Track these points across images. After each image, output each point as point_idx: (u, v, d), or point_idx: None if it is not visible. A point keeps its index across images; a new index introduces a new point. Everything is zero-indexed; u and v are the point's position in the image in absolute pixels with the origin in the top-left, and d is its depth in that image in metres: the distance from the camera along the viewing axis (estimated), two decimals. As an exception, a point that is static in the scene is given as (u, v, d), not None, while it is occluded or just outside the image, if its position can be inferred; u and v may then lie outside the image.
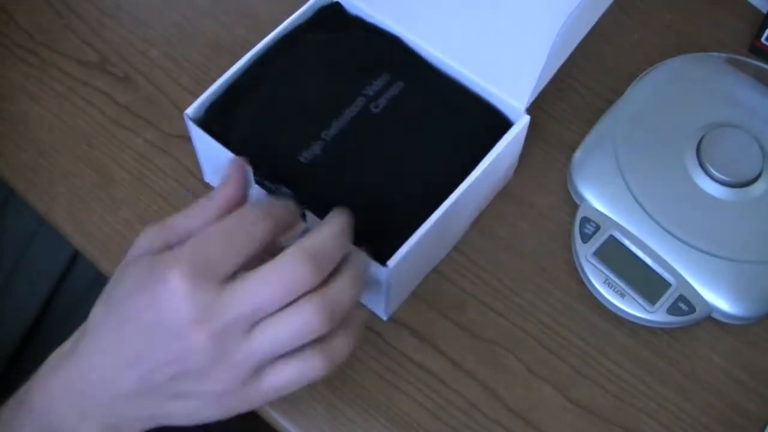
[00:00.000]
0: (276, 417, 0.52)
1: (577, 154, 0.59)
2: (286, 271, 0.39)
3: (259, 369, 0.40)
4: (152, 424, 0.43)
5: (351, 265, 0.42)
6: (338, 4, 0.60)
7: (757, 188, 0.56)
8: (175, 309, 0.38)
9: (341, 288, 0.41)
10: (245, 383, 0.40)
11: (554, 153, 0.61)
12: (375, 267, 0.48)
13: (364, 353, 0.53)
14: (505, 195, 0.59)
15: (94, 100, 0.63)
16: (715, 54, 0.63)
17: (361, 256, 0.44)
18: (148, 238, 0.43)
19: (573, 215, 0.57)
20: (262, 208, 0.42)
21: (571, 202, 0.58)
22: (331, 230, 0.41)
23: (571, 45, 0.59)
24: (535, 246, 0.58)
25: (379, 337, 0.54)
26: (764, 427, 0.51)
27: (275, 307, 0.39)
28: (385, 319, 0.54)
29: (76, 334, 0.44)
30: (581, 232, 0.56)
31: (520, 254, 0.57)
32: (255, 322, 0.39)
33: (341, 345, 0.42)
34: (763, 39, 0.65)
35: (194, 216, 0.43)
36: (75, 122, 0.62)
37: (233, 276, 0.40)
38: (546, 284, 0.56)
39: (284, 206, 0.43)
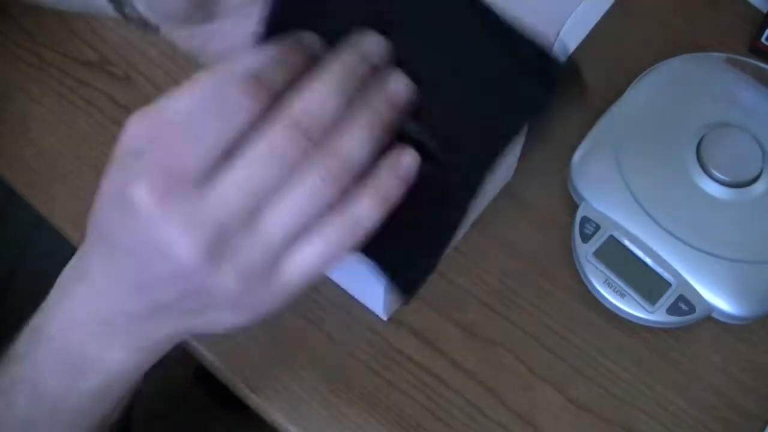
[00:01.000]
0: (277, 417, 0.52)
1: (577, 154, 0.59)
2: (275, 146, 0.32)
3: (275, 260, 0.33)
4: (181, 338, 0.38)
5: (364, 108, 0.33)
6: None
7: (757, 188, 0.56)
8: (155, 231, 0.32)
9: (350, 138, 0.33)
10: (264, 281, 0.33)
11: (554, 153, 0.61)
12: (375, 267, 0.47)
13: (364, 353, 0.53)
14: (505, 195, 0.59)
15: (94, 100, 0.63)
16: (715, 54, 0.63)
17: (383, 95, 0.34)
18: (132, 136, 0.33)
19: (573, 215, 0.57)
20: (243, 68, 0.32)
21: (571, 202, 0.58)
22: (323, 85, 0.32)
23: (571, 45, 0.59)
24: (535, 246, 0.58)
25: (379, 337, 0.54)
26: (764, 427, 0.51)
27: (273, 187, 0.32)
28: (385, 319, 0.54)
29: (80, 251, 0.38)
30: (581, 232, 0.56)
31: (520, 254, 0.57)
32: (254, 211, 0.32)
33: (364, 209, 0.33)
34: (763, 39, 0.65)
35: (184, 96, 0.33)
36: (75, 122, 0.62)
37: (216, 165, 0.32)
38: (546, 284, 0.56)
39: (282, 51, 0.33)
